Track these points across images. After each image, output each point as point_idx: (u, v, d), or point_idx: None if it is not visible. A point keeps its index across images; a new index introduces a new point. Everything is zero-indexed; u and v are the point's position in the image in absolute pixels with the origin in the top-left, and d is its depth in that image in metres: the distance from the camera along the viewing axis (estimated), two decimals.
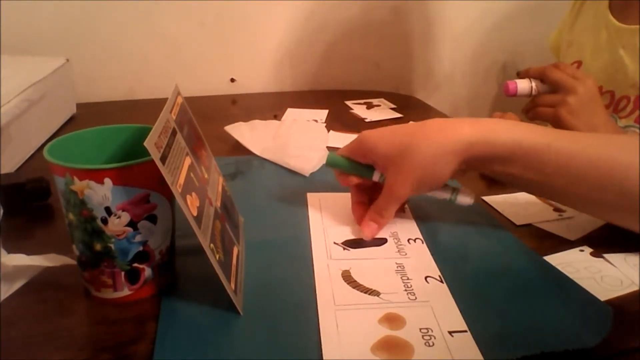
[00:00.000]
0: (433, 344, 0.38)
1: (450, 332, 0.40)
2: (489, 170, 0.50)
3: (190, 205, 0.39)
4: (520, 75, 0.69)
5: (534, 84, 0.67)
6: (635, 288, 0.47)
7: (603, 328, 0.41)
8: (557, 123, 0.65)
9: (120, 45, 1.09)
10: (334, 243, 0.53)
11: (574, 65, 0.81)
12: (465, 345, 0.38)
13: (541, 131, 0.49)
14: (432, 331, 0.40)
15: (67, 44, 1.03)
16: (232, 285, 0.42)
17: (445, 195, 0.55)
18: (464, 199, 0.55)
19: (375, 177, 0.54)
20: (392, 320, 0.41)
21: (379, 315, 0.42)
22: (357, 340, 0.39)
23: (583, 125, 0.64)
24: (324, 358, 0.37)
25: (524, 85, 0.67)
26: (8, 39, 0.97)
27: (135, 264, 0.42)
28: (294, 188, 0.66)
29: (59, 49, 1.00)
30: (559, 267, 0.49)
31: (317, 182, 0.68)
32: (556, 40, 0.93)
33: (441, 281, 0.47)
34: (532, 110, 0.68)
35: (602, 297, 0.45)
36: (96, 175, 0.38)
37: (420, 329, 0.40)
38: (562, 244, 0.54)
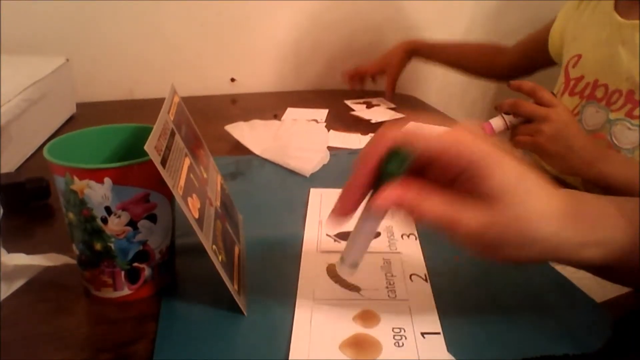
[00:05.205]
0: (403, 345, 0.38)
1: (422, 334, 0.39)
2: None
3: (191, 207, 0.39)
4: (497, 109, 0.72)
5: (507, 120, 0.70)
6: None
7: (603, 334, 0.40)
8: (537, 150, 0.68)
9: (120, 45, 1.09)
10: (327, 235, 0.53)
11: (573, 59, 0.85)
12: (435, 348, 0.38)
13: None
14: (404, 331, 0.40)
15: (67, 44, 1.03)
16: (236, 286, 0.42)
17: None
18: None
19: None
20: (367, 317, 0.41)
21: (355, 312, 0.42)
22: (328, 337, 0.39)
23: (561, 149, 0.66)
24: (289, 356, 0.37)
25: (498, 123, 0.71)
26: (8, 39, 0.97)
27: (135, 264, 0.42)
28: (294, 188, 0.66)
29: (59, 49, 1.00)
30: (559, 266, 0.49)
31: (317, 183, 0.68)
32: (558, 31, 0.95)
33: (426, 280, 0.46)
34: (512, 140, 0.71)
35: (602, 296, 0.45)
36: (96, 175, 0.38)
37: (393, 329, 0.40)
38: None
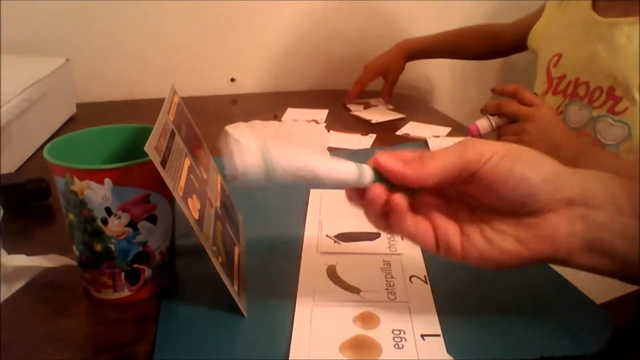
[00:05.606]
0: (403, 347, 0.38)
1: (422, 336, 0.39)
2: None
3: (191, 208, 0.39)
4: (483, 111, 0.75)
5: (492, 121, 0.73)
6: (635, 288, 0.47)
7: (603, 335, 0.40)
8: None
9: (120, 45, 1.09)
10: (326, 236, 0.53)
11: (554, 58, 0.86)
12: (435, 349, 0.38)
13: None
14: (404, 333, 0.40)
15: (67, 44, 1.03)
16: (236, 287, 0.42)
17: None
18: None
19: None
20: (367, 319, 0.41)
21: (355, 313, 0.42)
22: (328, 338, 0.39)
23: (547, 146, 0.68)
24: (289, 357, 0.37)
25: (484, 124, 0.73)
26: (8, 39, 0.97)
27: (136, 265, 0.42)
28: (294, 189, 0.66)
29: (59, 49, 1.00)
30: (558, 267, 0.49)
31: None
32: (540, 31, 0.96)
33: (425, 282, 0.46)
34: (499, 140, 0.73)
35: (602, 297, 0.45)
36: (96, 176, 0.38)
37: (393, 330, 0.40)
38: None
